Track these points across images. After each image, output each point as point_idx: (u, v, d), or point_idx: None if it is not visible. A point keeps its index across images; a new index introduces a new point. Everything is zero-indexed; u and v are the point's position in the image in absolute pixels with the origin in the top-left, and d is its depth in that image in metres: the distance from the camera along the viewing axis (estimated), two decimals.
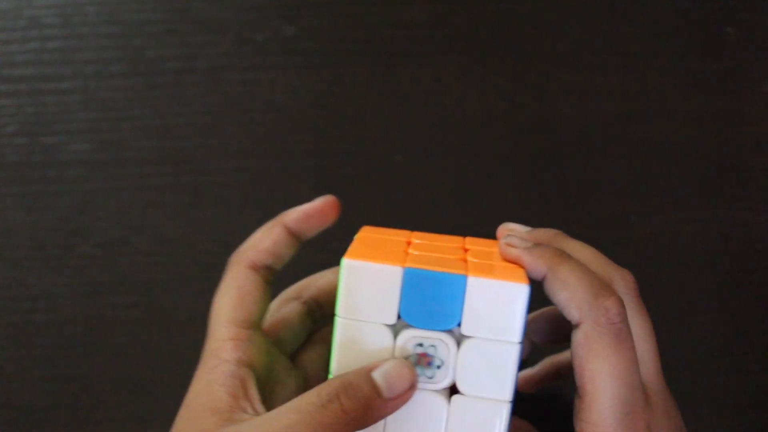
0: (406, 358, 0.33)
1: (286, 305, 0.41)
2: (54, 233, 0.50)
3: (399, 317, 0.33)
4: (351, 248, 0.34)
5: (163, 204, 0.51)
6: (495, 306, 0.32)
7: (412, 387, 0.32)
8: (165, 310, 0.39)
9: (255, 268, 0.38)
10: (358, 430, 0.32)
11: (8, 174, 0.51)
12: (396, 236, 0.37)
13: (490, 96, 0.53)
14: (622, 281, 0.36)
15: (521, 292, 0.32)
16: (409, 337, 0.33)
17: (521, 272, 0.33)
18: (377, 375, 0.32)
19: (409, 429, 0.33)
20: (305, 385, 0.40)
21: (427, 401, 0.33)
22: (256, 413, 0.33)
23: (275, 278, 0.40)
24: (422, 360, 0.33)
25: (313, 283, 0.42)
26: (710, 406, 0.49)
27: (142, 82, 0.52)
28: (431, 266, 0.32)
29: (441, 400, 0.33)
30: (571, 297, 0.33)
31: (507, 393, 0.33)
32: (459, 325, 0.33)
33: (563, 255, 0.34)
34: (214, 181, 0.51)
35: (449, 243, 0.37)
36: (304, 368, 0.40)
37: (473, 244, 0.37)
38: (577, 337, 0.33)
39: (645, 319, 0.36)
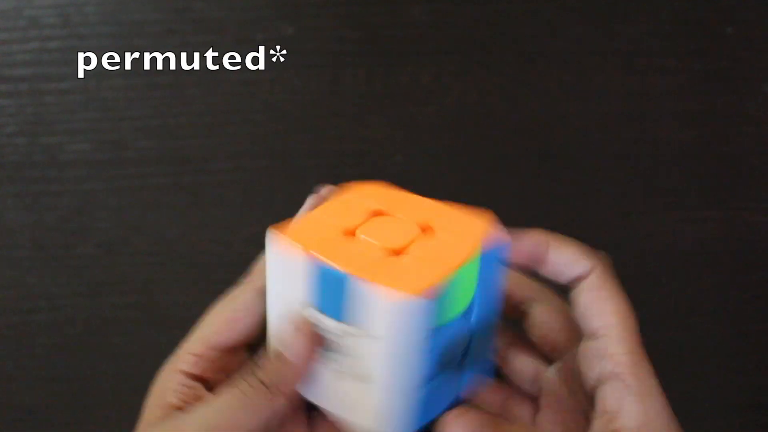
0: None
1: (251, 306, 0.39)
2: (54, 233, 0.50)
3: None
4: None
5: (163, 204, 0.51)
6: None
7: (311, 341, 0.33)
8: (165, 310, 0.39)
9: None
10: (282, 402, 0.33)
11: (8, 174, 0.51)
12: (341, 222, 0.34)
13: (490, 96, 0.53)
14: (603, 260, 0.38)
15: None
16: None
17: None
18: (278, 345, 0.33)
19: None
20: None
21: None
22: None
23: None
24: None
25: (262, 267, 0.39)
26: (710, 406, 0.49)
27: (142, 82, 0.52)
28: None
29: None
30: (577, 251, 0.36)
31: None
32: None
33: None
34: (214, 181, 0.51)
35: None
36: None
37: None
38: (588, 284, 0.36)
39: (623, 299, 0.37)
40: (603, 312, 0.36)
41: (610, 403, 0.34)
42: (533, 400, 0.39)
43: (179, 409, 0.34)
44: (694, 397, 0.49)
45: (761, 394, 0.49)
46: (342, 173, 0.51)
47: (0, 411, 0.48)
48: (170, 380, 0.36)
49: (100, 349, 0.49)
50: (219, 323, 0.37)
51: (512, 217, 0.52)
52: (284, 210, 0.48)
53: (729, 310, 0.51)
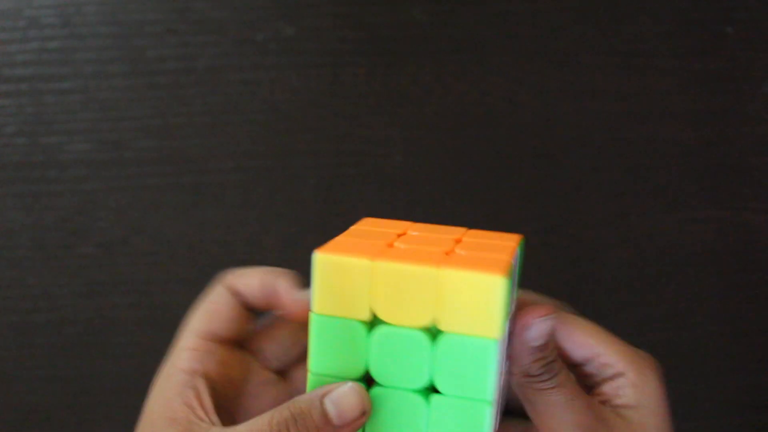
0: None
1: (268, 318, 0.40)
2: (54, 233, 0.50)
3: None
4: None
5: (163, 204, 0.51)
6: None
7: (363, 414, 0.32)
8: (165, 310, 0.39)
9: (234, 292, 0.38)
10: None
11: (8, 174, 0.51)
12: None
13: (490, 96, 0.53)
14: None
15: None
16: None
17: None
18: (328, 402, 0.32)
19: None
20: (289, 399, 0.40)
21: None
22: (212, 423, 0.34)
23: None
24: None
25: None
26: (710, 406, 0.49)
27: (142, 82, 0.52)
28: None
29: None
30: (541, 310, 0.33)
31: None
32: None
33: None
34: (214, 181, 0.51)
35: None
36: (295, 383, 0.40)
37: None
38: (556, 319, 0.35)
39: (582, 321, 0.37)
40: (577, 342, 0.35)
41: (608, 391, 0.36)
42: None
43: (190, 419, 0.34)
44: (694, 397, 0.49)
45: (761, 394, 0.49)
46: (342, 173, 0.51)
47: (0, 411, 0.48)
48: (171, 382, 0.36)
49: (100, 349, 0.49)
50: (202, 314, 0.37)
51: (512, 217, 0.52)
52: (284, 210, 0.48)
53: (729, 310, 0.51)
